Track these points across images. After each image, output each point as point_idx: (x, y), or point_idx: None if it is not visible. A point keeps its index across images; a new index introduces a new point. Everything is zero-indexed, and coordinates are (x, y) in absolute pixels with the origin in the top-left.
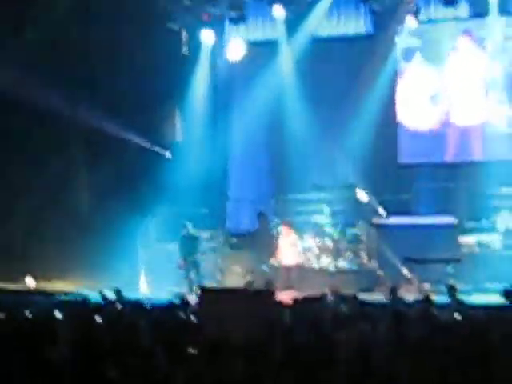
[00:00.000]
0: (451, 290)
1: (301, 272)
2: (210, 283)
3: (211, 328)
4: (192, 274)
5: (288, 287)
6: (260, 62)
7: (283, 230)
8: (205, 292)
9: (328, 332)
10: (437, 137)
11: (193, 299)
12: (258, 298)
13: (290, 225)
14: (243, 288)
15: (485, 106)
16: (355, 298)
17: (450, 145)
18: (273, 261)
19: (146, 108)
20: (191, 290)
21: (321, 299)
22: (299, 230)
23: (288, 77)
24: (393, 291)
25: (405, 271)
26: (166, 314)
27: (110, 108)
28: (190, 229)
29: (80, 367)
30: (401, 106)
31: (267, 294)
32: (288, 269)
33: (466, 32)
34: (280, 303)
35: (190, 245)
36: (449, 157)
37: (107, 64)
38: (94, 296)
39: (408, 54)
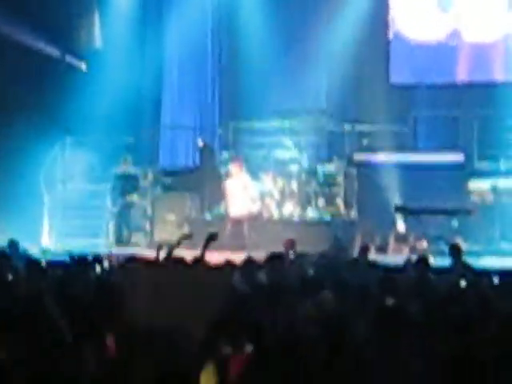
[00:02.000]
0: (454, 251)
1: (256, 224)
2: (135, 236)
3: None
4: (123, 224)
5: (239, 245)
6: None
7: (233, 168)
8: (132, 261)
9: (290, 304)
10: (442, 51)
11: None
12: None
13: (242, 162)
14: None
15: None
16: (325, 256)
17: (459, 61)
18: (220, 207)
19: (56, 5)
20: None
21: (277, 259)
22: (255, 168)
23: None
24: (363, 251)
25: (395, 224)
26: (72, 276)
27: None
28: (130, 165)
29: None
30: (399, 10)
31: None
32: (237, 220)
33: None
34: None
35: (127, 185)
36: (457, 76)
37: None
38: None
39: None
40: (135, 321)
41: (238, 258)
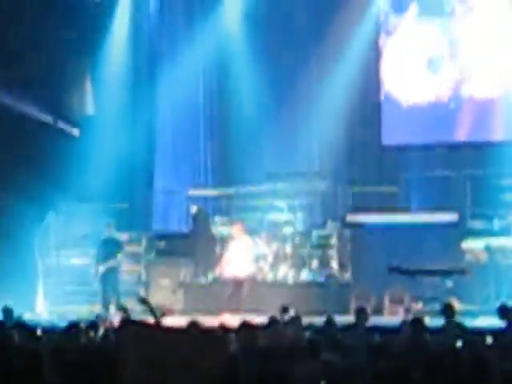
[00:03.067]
0: (448, 311)
1: (251, 287)
2: (128, 303)
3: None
4: (109, 288)
5: (236, 308)
6: (196, 8)
7: (234, 231)
8: (127, 324)
9: (285, 366)
10: (433, 111)
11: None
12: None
13: (243, 225)
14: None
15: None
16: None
17: (450, 121)
18: (215, 271)
19: (48, 71)
20: (106, 310)
21: (272, 324)
22: (249, 231)
23: (235, 30)
24: (360, 312)
25: (390, 286)
26: (68, 341)
27: None
28: (113, 230)
29: None
30: (389, 73)
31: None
32: (239, 282)
33: None
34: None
35: (110, 250)
36: (448, 136)
37: None
38: None
39: (400, 4)
40: None
41: (235, 320)
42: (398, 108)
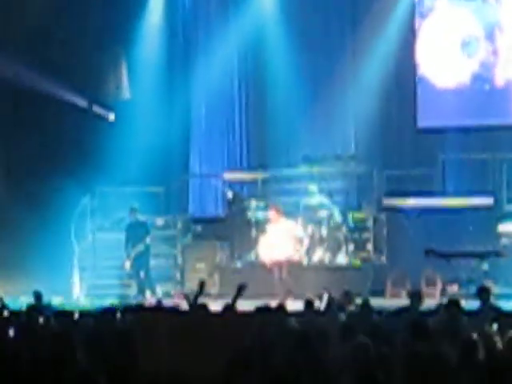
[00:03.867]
0: (484, 294)
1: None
2: (164, 286)
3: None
4: (142, 274)
5: (287, 292)
6: None
7: (271, 214)
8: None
9: (318, 349)
10: (467, 94)
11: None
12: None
13: (279, 209)
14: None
15: None
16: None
17: (489, 104)
18: (250, 255)
19: (83, 55)
20: (142, 294)
21: (308, 307)
22: (285, 215)
23: (270, 14)
24: (414, 296)
25: (426, 269)
26: (104, 326)
27: (32, 54)
28: (139, 214)
29: None
30: (423, 55)
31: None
32: (276, 265)
33: None
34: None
35: (137, 235)
36: (484, 119)
37: None
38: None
39: None
40: (157, 370)
41: (271, 304)
42: (433, 90)
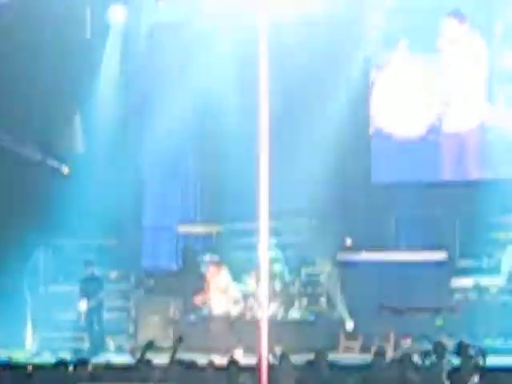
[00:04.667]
0: (438, 348)
1: (239, 324)
2: (117, 340)
3: None
4: (95, 326)
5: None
6: (189, 43)
7: (210, 270)
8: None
9: None
10: (423, 148)
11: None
12: None
13: (219, 264)
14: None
15: (486, 108)
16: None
17: (441, 158)
18: (203, 308)
19: (38, 110)
20: (94, 348)
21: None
22: (238, 270)
23: (227, 63)
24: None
25: (379, 324)
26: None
27: None
28: (94, 268)
29: None
30: (379, 107)
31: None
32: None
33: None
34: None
35: (91, 289)
36: (439, 174)
37: None
38: None
39: (390, 40)
40: None
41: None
42: (388, 143)
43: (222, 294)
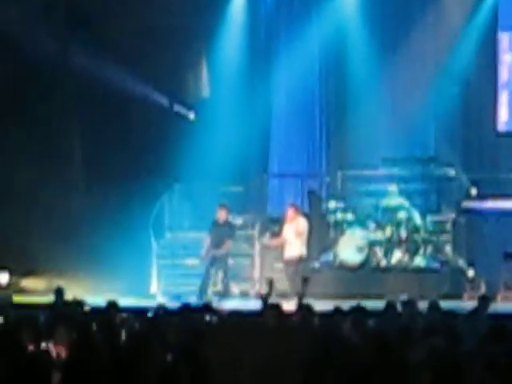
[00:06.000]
0: None
1: (364, 271)
2: (241, 285)
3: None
4: (214, 273)
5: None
6: None
7: (289, 213)
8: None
9: (398, 352)
10: None
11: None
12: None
13: (298, 208)
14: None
15: None
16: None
17: None
18: (330, 255)
19: (163, 54)
20: (200, 294)
21: (387, 308)
22: (364, 216)
23: (351, 13)
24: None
25: (504, 272)
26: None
27: (114, 53)
28: (226, 212)
29: None
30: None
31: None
32: (289, 263)
33: None
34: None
35: (219, 234)
36: None
37: None
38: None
39: None
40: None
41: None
42: None
43: (297, 238)
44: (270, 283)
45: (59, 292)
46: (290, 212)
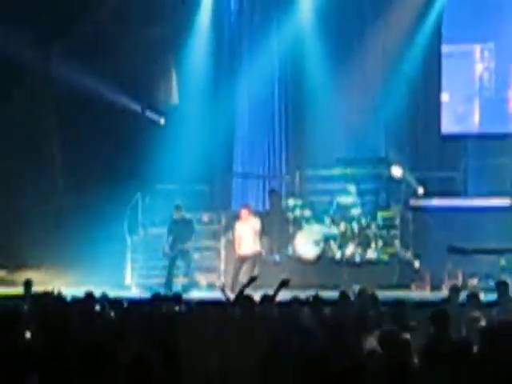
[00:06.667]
0: (501, 287)
1: (321, 264)
2: (208, 276)
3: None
4: (178, 265)
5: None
6: (274, 7)
7: (242, 213)
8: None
9: (352, 338)
10: (491, 101)
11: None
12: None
13: (251, 209)
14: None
15: None
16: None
17: (510, 110)
18: (288, 249)
19: (136, 63)
20: (168, 285)
21: (343, 299)
22: (320, 213)
23: (309, 26)
24: (452, 290)
25: (448, 264)
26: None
27: (90, 62)
28: (183, 211)
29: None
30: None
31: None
32: (244, 258)
33: None
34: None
35: (181, 232)
36: (508, 125)
37: (86, 5)
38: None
39: None
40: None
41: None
42: (456, 97)
43: (255, 235)
44: (252, 279)
45: (28, 284)
46: (244, 212)
